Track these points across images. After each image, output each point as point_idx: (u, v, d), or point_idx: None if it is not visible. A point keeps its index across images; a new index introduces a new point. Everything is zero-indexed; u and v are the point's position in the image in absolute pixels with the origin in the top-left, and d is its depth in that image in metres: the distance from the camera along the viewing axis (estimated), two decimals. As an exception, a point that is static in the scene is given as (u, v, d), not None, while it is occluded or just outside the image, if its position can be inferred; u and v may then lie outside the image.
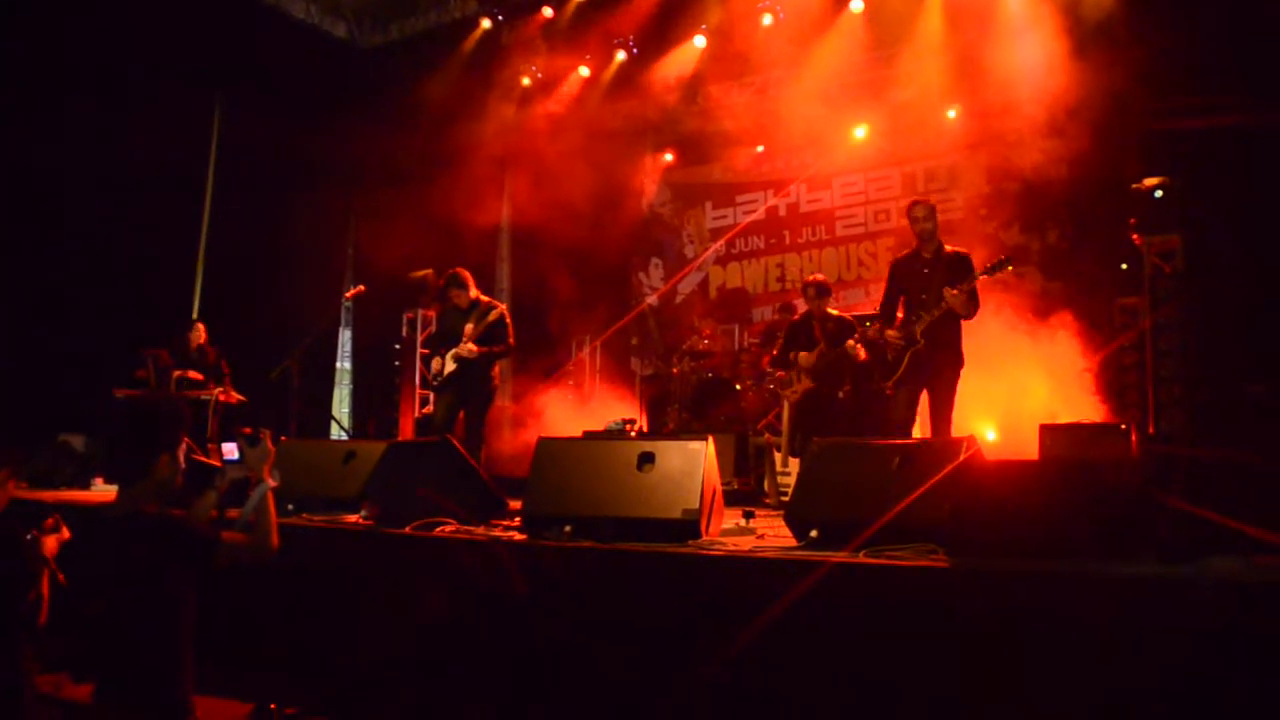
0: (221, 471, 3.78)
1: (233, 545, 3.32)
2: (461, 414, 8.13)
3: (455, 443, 5.89)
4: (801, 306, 11.40)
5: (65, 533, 3.80)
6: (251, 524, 3.47)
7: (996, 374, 8.62)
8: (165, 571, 3.14)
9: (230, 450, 3.71)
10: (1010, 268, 6.61)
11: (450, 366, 7.95)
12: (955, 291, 6.42)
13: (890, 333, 6.76)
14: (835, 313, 8.12)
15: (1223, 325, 7.94)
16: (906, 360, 6.63)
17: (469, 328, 7.95)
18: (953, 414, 6.60)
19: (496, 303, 8.24)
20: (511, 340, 8.14)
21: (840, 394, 7.22)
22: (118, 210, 10.58)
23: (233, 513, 3.74)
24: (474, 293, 8.15)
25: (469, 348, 7.87)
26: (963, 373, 6.66)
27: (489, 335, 7.96)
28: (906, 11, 11.09)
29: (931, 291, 6.58)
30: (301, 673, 5.08)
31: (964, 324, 6.66)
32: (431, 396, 12.70)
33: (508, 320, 8.08)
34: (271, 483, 3.56)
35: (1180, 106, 8.30)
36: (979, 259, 6.78)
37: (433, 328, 12.86)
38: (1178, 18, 8.46)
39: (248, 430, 3.67)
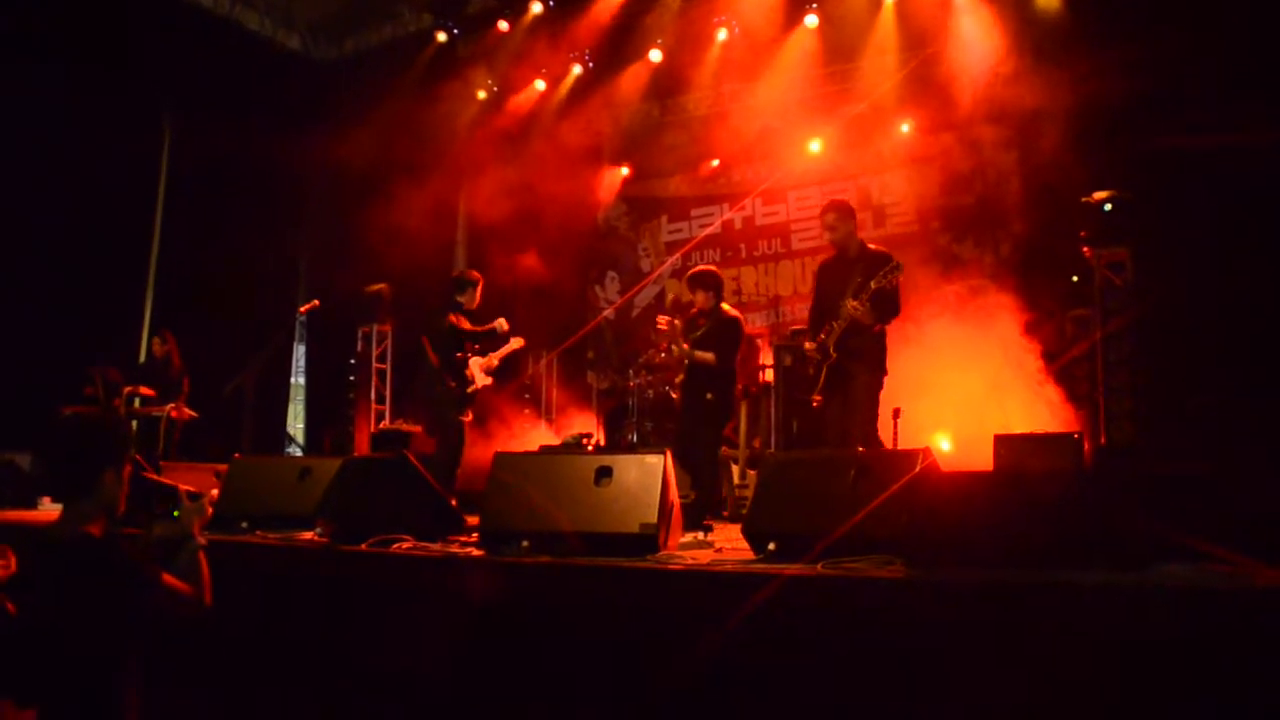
0: (149, 527, 3.68)
1: (171, 591, 3.23)
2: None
3: (412, 458, 5.84)
4: (762, 319, 11.45)
5: (13, 565, 3.71)
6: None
7: (951, 385, 8.70)
8: (102, 600, 3.07)
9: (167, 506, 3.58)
10: (899, 273, 6.33)
11: (487, 380, 8.06)
12: (855, 303, 6.30)
13: (808, 345, 6.68)
14: (725, 308, 7.23)
15: (1170, 337, 8.06)
16: (824, 374, 6.55)
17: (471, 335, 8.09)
18: (874, 426, 6.46)
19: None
20: None
21: (708, 395, 6.92)
22: (66, 224, 10.41)
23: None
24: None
25: (495, 362, 7.99)
26: (885, 380, 6.54)
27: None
28: (860, 27, 11.21)
29: (845, 297, 6.45)
30: (254, 693, 5.00)
31: (912, 335, 6.63)
32: (387, 411, 12.64)
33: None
34: (201, 541, 3.49)
35: (1135, 125, 8.43)
36: (934, 271, 6.80)
37: (387, 343, 12.80)
38: (1129, 34, 8.60)
39: (188, 488, 3.59)
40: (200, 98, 11.78)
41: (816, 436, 8.08)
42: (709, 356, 6.91)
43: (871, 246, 6.77)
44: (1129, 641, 3.25)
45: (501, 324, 8.08)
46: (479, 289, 8.21)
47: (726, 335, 7.04)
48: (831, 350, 6.49)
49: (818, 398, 6.63)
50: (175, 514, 3.54)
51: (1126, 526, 3.79)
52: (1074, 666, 3.28)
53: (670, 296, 13.52)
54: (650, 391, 10.60)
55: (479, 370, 8.00)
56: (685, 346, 6.97)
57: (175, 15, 11.99)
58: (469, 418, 8.11)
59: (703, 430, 6.94)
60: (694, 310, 7.29)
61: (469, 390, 8.02)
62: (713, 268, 7.50)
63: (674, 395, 7.63)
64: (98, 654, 3.07)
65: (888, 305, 6.46)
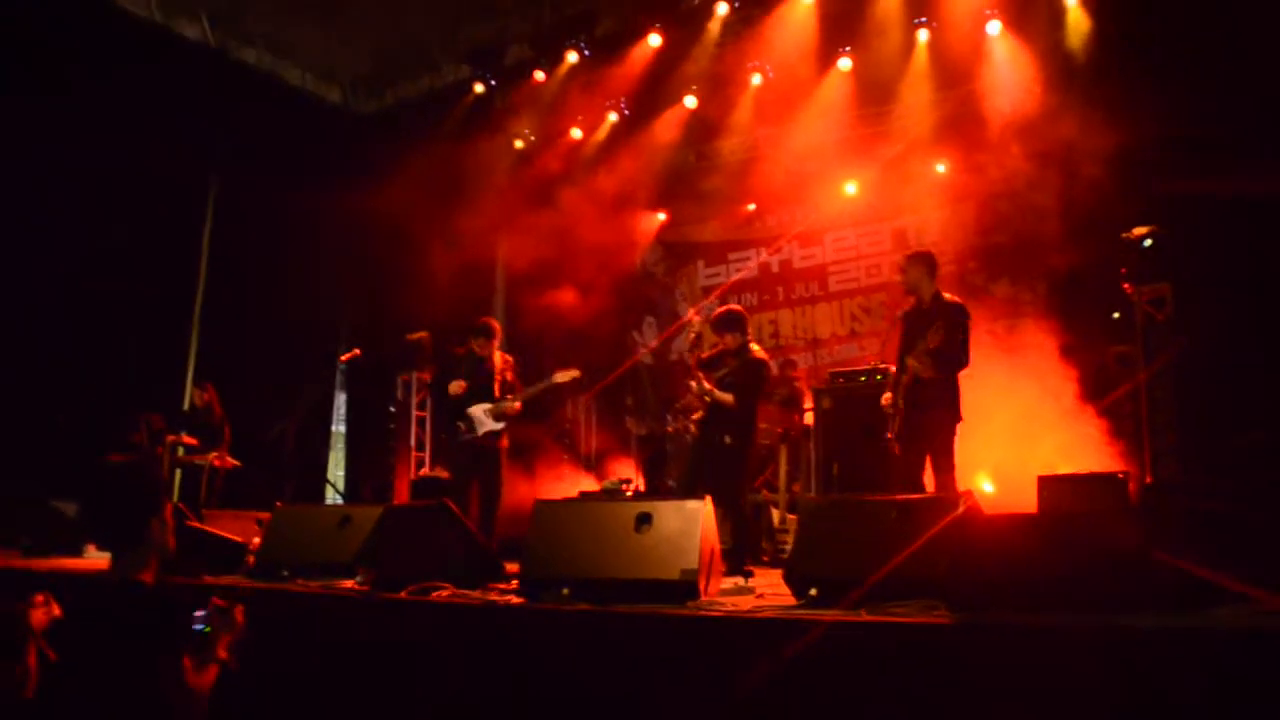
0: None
1: (182, 676, 3.23)
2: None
3: (453, 505, 5.86)
4: (800, 362, 11.40)
5: (56, 610, 3.75)
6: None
7: (992, 426, 8.60)
8: (142, 645, 3.10)
9: (200, 617, 3.58)
10: (961, 330, 6.54)
11: (492, 424, 7.87)
12: (914, 362, 6.46)
13: (886, 395, 6.77)
14: (755, 349, 7.18)
15: (1215, 372, 7.94)
16: (898, 421, 6.63)
17: (499, 380, 7.96)
18: (952, 472, 6.52)
19: (513, 360, 8.25)
20: None
21: (726, 439, 6.80)
22: (114, 272, 10.60)
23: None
24: (496, 349, 8.14)
25: (514, 405, 7.86)
26: (959, 427, 6.61)
27: (514, 393, 8.00)
28: (894, 68, 11.24)
29: (914, 349, 6.58)
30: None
31: (961, 376, 6.63)
32: (426, 458, 12.69)
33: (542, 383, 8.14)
34: (223, 656, 3.48)
35: (1169, 168, 8.37)
36: (971, 311, 6.79)
37: (427, 391, 12.87)
38: (1163, 71, 8.58)
39: (221, 603, 3.59)
40: (243, 151, 12.01)
41: (857, 480, 8.05)
42: (728, 398, 6.85)
43: (947, 297, 6.81)
44: (1180, 686, 3.18)
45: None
46: (495, 340, 8.12)
47: (749, 377, 6.96)
48: (900, 402, 6.59)
49: (897, 445, 6.70)
50: (206, 630, 3.56)
51: (1176, 568, 3.73)
52: (1125, 712, 3.22)
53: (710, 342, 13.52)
54: (688, 436, 10.58)
55: (484, 415, 7.90)
56: (707, 385, 6.90)
57: (218, 71, 12.27)
58: (455, 468, 8.05)
59: (725, 479, 6.75)
60: (719, 349, 7.21)
61: (464, 438, 7.92)
62: (737, 307, 7.40)
63: (692, 430, 7.38)
64: (140, 695, 3.10)
65: (951, 359, 6.52)
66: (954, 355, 6.53)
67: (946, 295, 6.84)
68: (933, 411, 6.53)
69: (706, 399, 6.92)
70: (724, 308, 7.35)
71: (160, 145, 10.87)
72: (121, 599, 3.18)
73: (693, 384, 7.04)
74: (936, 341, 6.36)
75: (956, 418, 6.60)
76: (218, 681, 3.37)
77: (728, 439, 6.81)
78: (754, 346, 7.14)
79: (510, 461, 8.38)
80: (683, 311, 13.78)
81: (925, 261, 6.87)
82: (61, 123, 10.10)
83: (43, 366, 9.99)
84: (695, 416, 7.16)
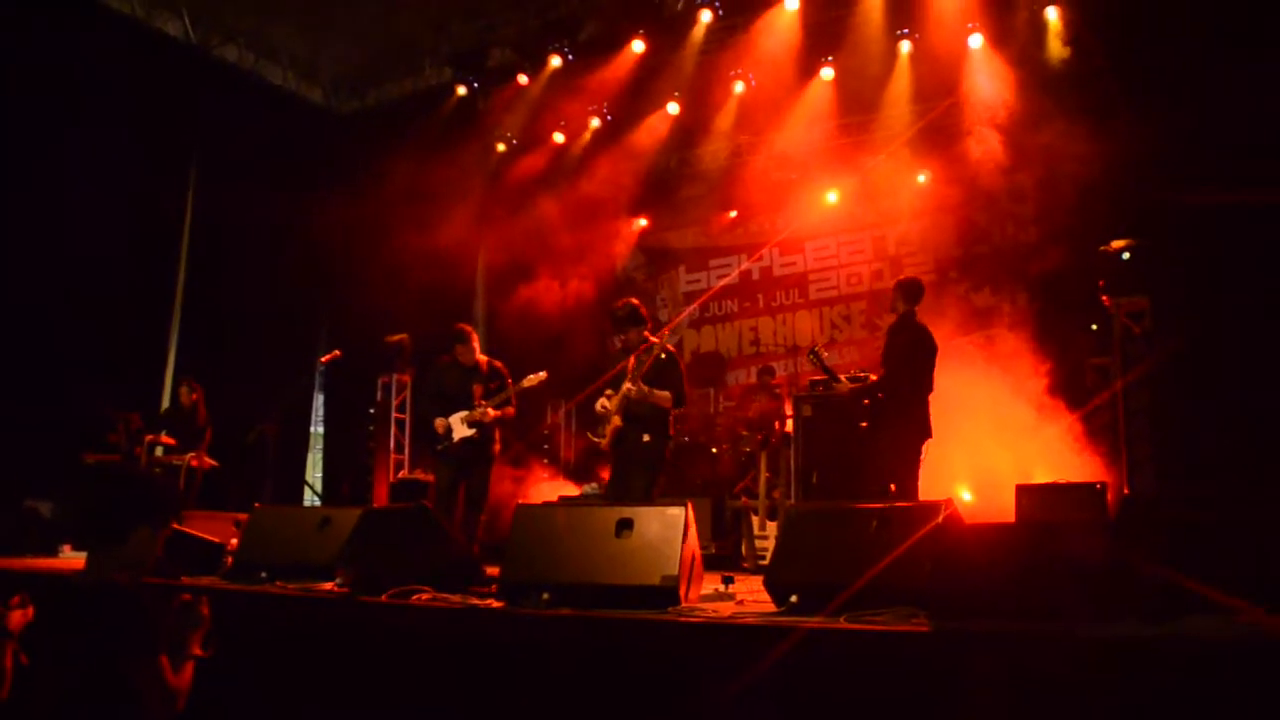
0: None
1: (160, 675, 3.18)
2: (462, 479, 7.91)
3: (431, 509, 5.84)
4: (780, 369, 11.44)
5: (31, 613, 3.71)
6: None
7: (971, 435, 8.66)
8: (114, 647, 3.07)
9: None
10: (814, 361, 7.69)
11: (466, 431, 7.76)
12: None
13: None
14: (655, 340, 7.07)
15: (1191, 385, 8.01)
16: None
17: (478, 388, 7.80)
18: (900, 481, 6.71)
19: (501, 365, 8.12)
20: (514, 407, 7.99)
21: (645, 438, 6.69)
22: (92, 273, 10.51)
23: None
24: (479, 353, 8.03)
25: (487, 411, 7.71)
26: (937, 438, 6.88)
27: (504, 400, 7.83)
28: (876, 79, 11.30)
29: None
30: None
31: (937, 388, 6.78)
32: (405, 460, 12.64)
33: (512, 386, 7.90)
34: (199, 653, 3.45)
35: (1152, 180, 8.46)
36: (950, 321, 6.95)
37: (406, 393, 12.83)
38: (1142, 86, 8.66)
39: (186, 597, 3.56)
40: (224, 149, 11.97)
41: (837, 487, 8.11)
42: (665, 395, 6.75)
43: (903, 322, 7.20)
44: (1156, 696, 3.21)
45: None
46: (472, 342, 7.93)
47: (672, 372, 6.85)
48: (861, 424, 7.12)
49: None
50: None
51: (1152, 578, 3.76)
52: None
53: (690, 348, 13.52)
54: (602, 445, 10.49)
55: (459, 423, 7.78)
56: (642, 387, 6.71)
57: (199, 68, 12.22)
58: (438, 476, 7.92)
59: (636, 477, 6.67)
60: (619, 347, 7.14)
61: (438, 449, 7.81)
62: (633, 300, 7.19)
63: (596, 440, 7.07)
64: (114, 700, 3.07)
65: (888, 377, 7.03)
66: (890, 375, 6.95)
67: (907, 320, 7.15)
68: (884, 430, 6.91)
69: (627, 400, 6.75)
70: (621, 302, 7.19)
71: (139, 142, 10.82)
72: (97, 600, 3.13)
73: (629, 388, 6.77)
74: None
75: (915, 435, 6.80)
76: (194, 678, 3.33)
77: (646, 437, 6.73)
78: (653, 338, 7.02)
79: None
80: (664, 317, 13.81)
81: (903, 288, 7.25)
82: (39, 117, 10.04)
83: (18, 364, 9.87)
84: (614, 424, 6.90)
